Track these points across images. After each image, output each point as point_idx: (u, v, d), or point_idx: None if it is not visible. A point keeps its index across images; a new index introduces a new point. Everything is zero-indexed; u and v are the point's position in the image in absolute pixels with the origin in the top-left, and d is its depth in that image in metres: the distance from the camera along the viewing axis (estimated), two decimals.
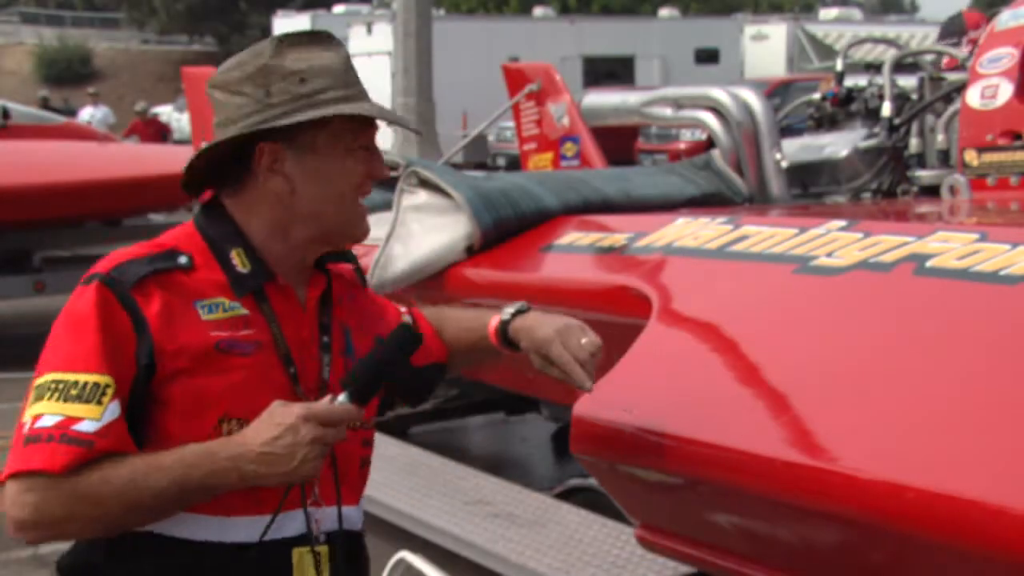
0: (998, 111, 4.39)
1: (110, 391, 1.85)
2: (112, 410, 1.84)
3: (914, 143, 5.32)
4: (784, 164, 5.30)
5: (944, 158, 5.03)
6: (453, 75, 23.76)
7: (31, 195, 9.33)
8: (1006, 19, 4.58)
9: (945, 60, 5.78)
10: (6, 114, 10.66)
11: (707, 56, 31.12)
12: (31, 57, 44.99)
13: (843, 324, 2.81)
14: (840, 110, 5.96)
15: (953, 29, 6.34)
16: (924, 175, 5.11)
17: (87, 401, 1.83)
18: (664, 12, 34.83)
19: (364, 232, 2.07)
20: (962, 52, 5.50)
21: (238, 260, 2.00)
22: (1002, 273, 2.64)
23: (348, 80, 2.01)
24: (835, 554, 2.44)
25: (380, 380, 1.93)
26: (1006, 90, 4.39)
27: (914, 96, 5.53)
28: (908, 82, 5.75)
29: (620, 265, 3.84)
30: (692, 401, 2.68)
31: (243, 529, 1.95)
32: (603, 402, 2.77)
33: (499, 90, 7.85)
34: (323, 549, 2.01)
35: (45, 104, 22.38)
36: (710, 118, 5.48)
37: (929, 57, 6.06)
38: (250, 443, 1.84)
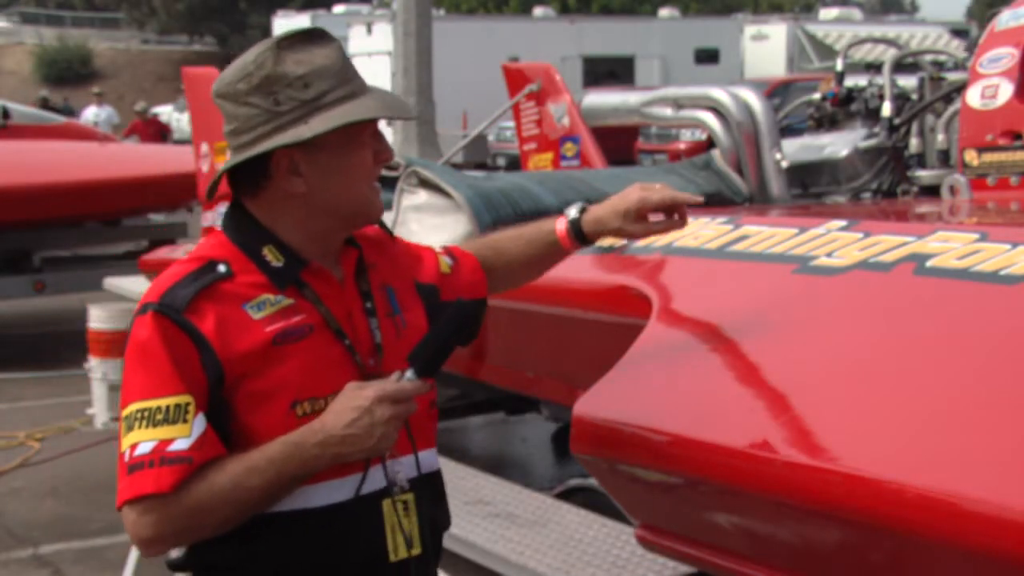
0: (998, 111, 4.38)
1: (192, 407, 1.99)
2: (199, 424, 2.00)
3: (914, 143, 5.31)
4: (784, 164, 5.30)
5: (944, 158, 5.03)
6: (453, 75, 23.77)
7: (31, 195, 9.33)
8: (1006, 19, 4.57)
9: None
10: (6, 114, 10.67)
11: (707, 56, 31.14)
12: (31, 57, 45.00)
13: (843, 324, 2.81)
14: (840, 110, 5.95)
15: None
16: (924, 175, 5.11)
17: (174, 422, 1.98)
18: (664, 12, 34.86)
19: (380, 211, 2.20)
20: (962, 53, 5.50)
21: (271, 256, 2.11)
22: (1002, 273, 2.64)
23: (348, 75, 2.12)
24: (835, 554, 2.44)
25: (444, 354, 2.06)
26: (1006, 90, 4.38)
27: (914, 96, 5.53)
28: (908, 82, 5.75)
29: (620, 265, 3.84)
30: (692, 401, 2.68)
31: (333, 492, 2.08)
32: (603, 402, 2.78)
33: (499, 90, 7.84)
34: (408, 497, 2.15)
35: (45, 104, 22.37)
36: (710, 118, 5.47)
37: (928, 57, 6.06)
38: (331, 428, 1.98)
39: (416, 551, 2.17)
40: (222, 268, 2.08)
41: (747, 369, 2.74)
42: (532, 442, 6.75)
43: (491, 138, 22.62)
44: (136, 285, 7.54)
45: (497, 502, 4.30)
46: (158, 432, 1.97)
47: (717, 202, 5.08)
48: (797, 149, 5.72)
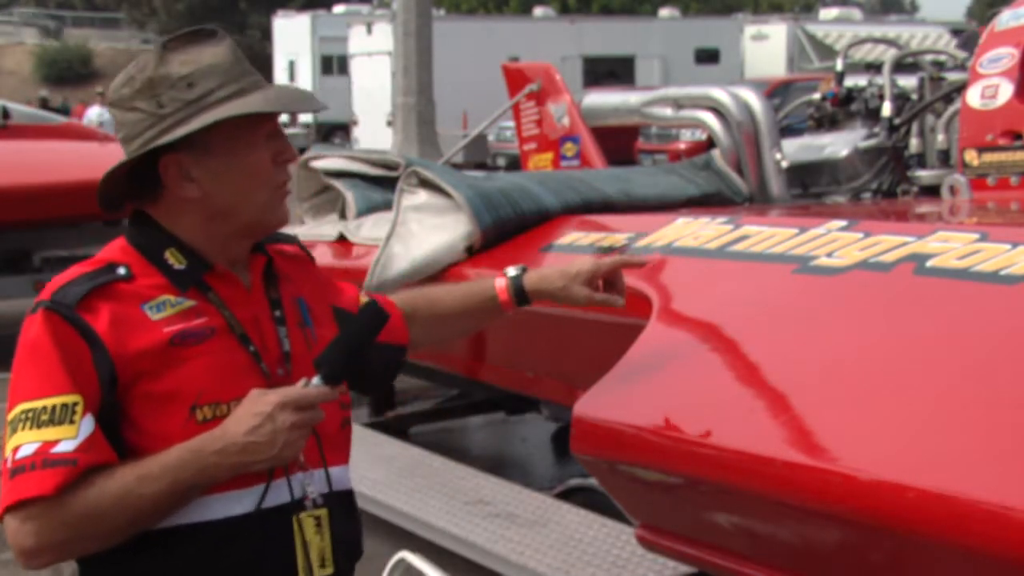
0: (998, 111, 4.39)
1: (80, 407, 1.89)
2: (87, 425, 1.89)
3: (914, 143, 5.32)
4: (784, 164, 5.30)
5: (944, 158, 5.03)
6: (453, 75, 23.75)
7: (31, 195, 9.32)
8: (1006, 19, 4.58)
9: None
10: (6, 114, 10.65)
11: (707, 56, 31.12)
12: (31, 57, 44.99)
13: (843, 324, 2.81)
14: (840, 110, 5.96)
15: (972, 44, 6.34)
16: (924, 175, 5.11)
17: (60, 423, 1.87)
18: (664, 12, 34.83)
19: (281, 219, 2.10)
20: (962, 53, 5.51)
21: (173, 259, 2.03)
22: (1002, 273, 2.64)
23: (238, 73, 2.03)
24: (835, 554, 2.44)
25: (351, 359, 1.98)
26: (1006, 90, 4.39)
27: (914, 96, 5.54)
28: (908, 82, 5.75)
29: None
30: (692, 401, 2.68)
31: (233, 504, 1.99)
32: (603, 402, 2.78)
33: (499, 90, 7.84)
34: (322, 512, 2.07)
35: (45, 104, 22.36)
36: (710, 118, 5.47)
37: (928, 57, 6.06)
38: (231, 435, 1.90)
39: (328, 571, 2.07)
40: (121, 271, 2.00)
41: (747, 369, 2.74)
42: (532, 442, 6.75)
43: (491, 138, 22.60)
44: None
45: (497, 502, 4.30)
46: (43, 433, 1.86)
47: (717, 202, 5.09)
48: (797, 149, 5.73)
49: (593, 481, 3.91)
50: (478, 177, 5.27)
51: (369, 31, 28.35)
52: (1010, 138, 4.34)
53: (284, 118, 30.68)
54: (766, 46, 32.47)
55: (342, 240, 5.46)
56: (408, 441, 5.49)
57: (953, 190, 4.49)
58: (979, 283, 2.66)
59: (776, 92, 17.26)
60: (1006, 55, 4.45)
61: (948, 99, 5.20)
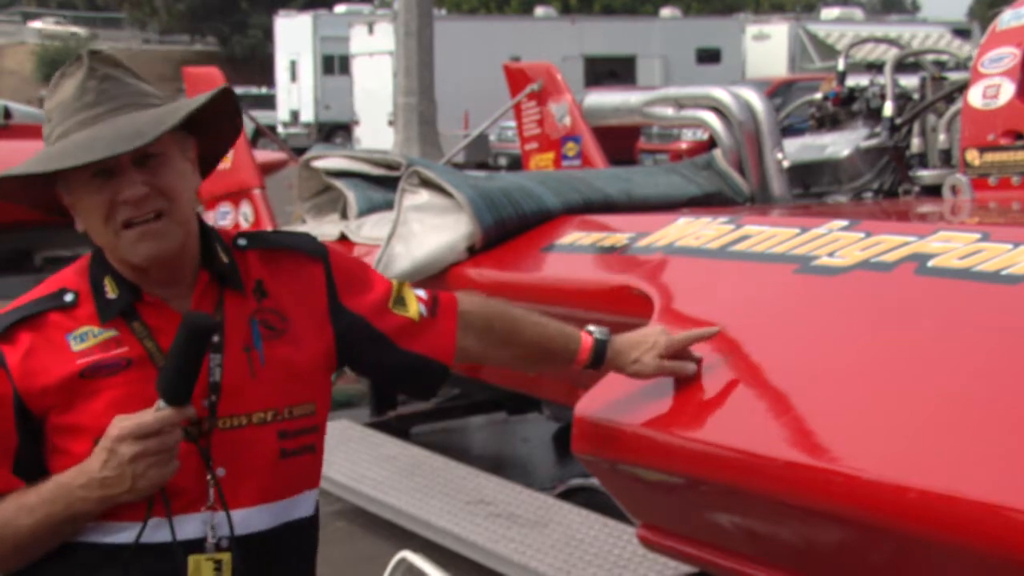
0: (1000, 111, 4.38)
1: None
2: None
3: (916, 143, 5.31)
4: (786, 164, 5.30)
5: (946, 158, 5.03)
6: (455, 75, 23.76)
7: None
8: (1008, 19, 4.57)
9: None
10: (7, 114, 10.65)
11: (709, 56, 31.12)
12: (32, 57, 45.01)
13: (844, 324, 2.81)
14: (842, 110, 5.96)
15: None
16: (926, 175, 5.10)
17: None
18: (665, 12, 34.84)
19: (141, 256, 1.98)
20: (964, 51, 5.50)
21: (109, 287, 2.01)
22: (1004, 273, 2.64)
23: (73, 110, 1.97)
24: (837, 554, 2.44)
25: (183, 376, 1.88)
26: (1008, 90, 4.38)
27: (916, 96, 5.53)
28: (910, 82, 5.75)
29: (621, 265, 3.84)
30: (693, 401, 2.68)
31: (126, 532, 1.96)
32: (604, 402, 2.78)
33: (500, 90, 7.84)
34: (224, 556, 1.99)
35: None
36: (712, 118, 5.47)
37: (930, 57, 6.05)
38: (89, 471, 1.88)
39: None
40: (68, 297, 2.00)
41: (748, 369, 2.74)
42: (533, 442, 6.75)
43: (492, 138, 22.61)
44: None
45: (499, 502, 4.30)
46: None
47: (718, 202, 5.09)
48: (798, 149, 5.73)
49: (594, 481, 3.91)
50: (479, 177, 5.27)
51: (370, 31, 28.36)
52: (1012, 138, 4.34)
53: (286, 117, 30.38)
54: (767, 46, 32.50)
55: (343, 240, 5.46)
56: (409, 441, 5.49)
57: (955, 190, 4.49)
58: (980, 283, 2.65)
59: (777, 92, 17.27)
60: (1008, 55, 4.45)
61: (950, 99, 5.19)
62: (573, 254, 4.26)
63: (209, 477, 1.98)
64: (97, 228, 1.98)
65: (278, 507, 2.06)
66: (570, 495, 4.29)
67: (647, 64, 30.16)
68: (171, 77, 39.95)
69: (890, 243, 2.97)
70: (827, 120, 6.04)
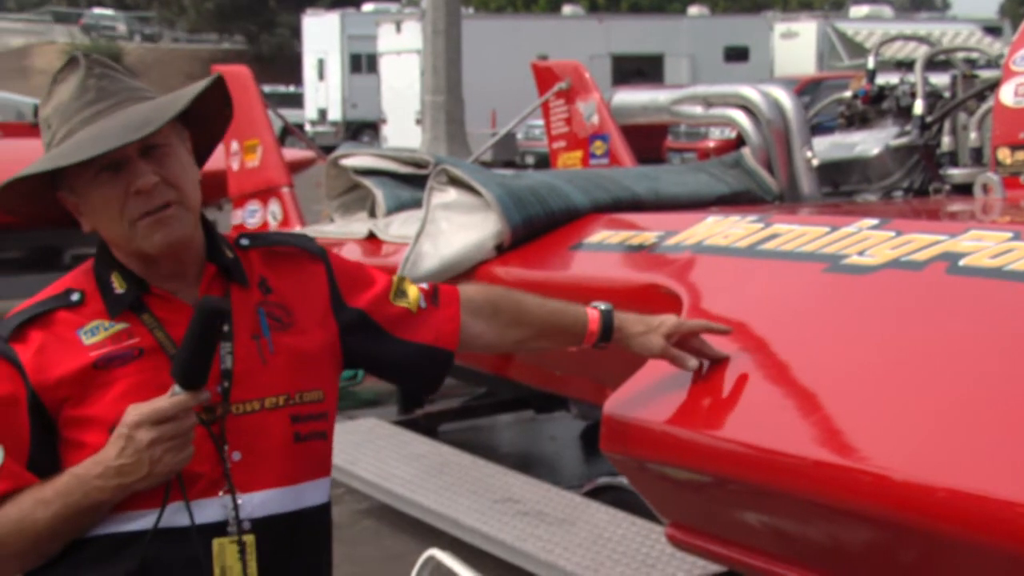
0: None
1: None
2: None
3: (946, 141, 5.28)
4: (815, 162, 5.28)
5: (977, 156, 5.00)
6: (482, 73, 23.76)
7: None
8: None
9: None
10: (37, 113, 10.74)
11: (736, 54, 31.05)
12: (62, 56, 45.26)
13: (874, 323, 2.80)
14: (871, 108, 5.93)
15: None
16: (956, 173, 5.08)
17: None
18: (693, 10, 34.80)
19: (157, 244, 2.01)
20: (995, 49, 5.46)
21: (117, 282, 2.04)
22: None
23: (75, 110, 2.00)
24: (866, 554, 2.43)
25: (198, 360, 1.90)
26: None
27: (946, 94, 5.50)
28: (940, 80, 5.72)
29: (650, 264, 3.83)
30: (722, 400, 2.67)
31: (145, 520, 1.97)
32: (633, 400, 2.77)
33: (528, 88, 7.83)
34: (248, 539, 2.01)
35: None
36: (740, 116, 5.46)
37: (961, 54, 6.02)
38: (105, 460, 1.90)
39: None
40: (75, 297, 2.03)
41: (776, 368, 2.73)
42: (561, 440, 6.75)
43: (519, 136, 22.62)
44: None
45: (526, 500, 4.30)
46: None
47: (747, 200, 5.07)
48: (828, 147, 5.70)
49: (622, 479, 3.91)
50: (507, 175, 5.27)
51: (398, 29, 28.42)
52: None
53: (313, 116, 30.40)
54: (796, 44, 32.38)
55: (372, 238, 5.47)
56: (437, 439, 5.50)
57: (986, 188, 4.46)
58: (1012, 282, 2.64)
59: (806, 90, 17.20)
60: None
61: (981, 97, 5.16)
62: (601, 252, 4.25)
63: (224, 462, 2.00)
64: (110, 222, 2.01)
65: (294, 491, 2.08)
66: (598, 493, 4.29)
67: (675, 62, 30.11)
68: (199, 75, 40.16)
69: (921, 242, 2.95)
70: (857, 118, 6.02)
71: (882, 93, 5.90)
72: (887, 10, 37.91)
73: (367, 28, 30.48)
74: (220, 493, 2.00)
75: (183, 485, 1.96)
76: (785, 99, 5.43)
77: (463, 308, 2.34)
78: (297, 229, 6.46)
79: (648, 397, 2.74)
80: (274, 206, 6.88)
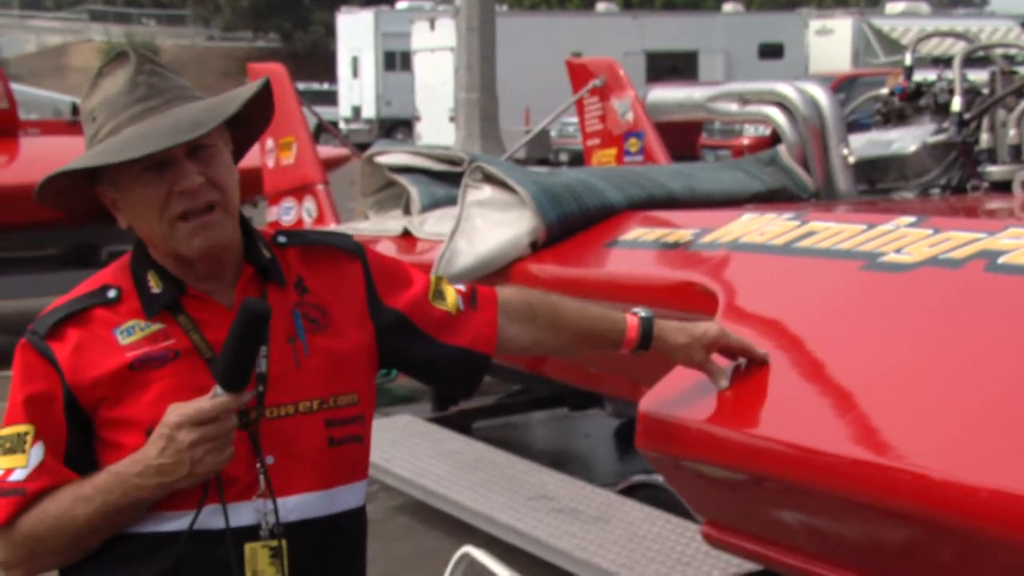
0: None
1: (30, 436, 1.96)
2: (36, 453, 1.97)
3: (984, 138, 5.25)
4: (851, 159, 5.26)
5: (1016, 153, 4.96)
6: (516, 71, 23.76)
7: None
8: None
9: None
10: (75, 111, 10.79)
11: (771, 51, 30.92)
12: (98, 55, 45.56)
13: (912, 321, 2.78)
14: (908, 105, 5.89)
15: None
16: (995, 171, 5.04)
17: (13, 452, 1.97)
18: (728, 7, 34.64)
19: (195, 248, 2.00)
20: None
21: (153, 282, 2.04)
22: None
23: (122, 105, 1.99)
24: (904, 553, 2.42)
25: (240, 361, 1.90)
26: None
27: (985, 91, 5.46)
28: (978, 76, 5.67)
29: (685, 261, 3.82)
30: (758, 398, 2.66)
31: (174, 521, 1.98)
32: (669, 398, 2.77)
33: (562, 86, 7.83)
34: (280, 543, 2.00)
35: None
36: (776, 113, 5.44)
37: (999, 51, 5.97)
38: (146, 458, 1.91)
39: None
40: (111, 294, 2.03)
41: (813, 366, 2.72)
42: (595, 438, 6.75)
43: (553, 134, 22.61)
44: None
45: (561, 498, 4.30)
46: (3, 461, 1.97)
47: (783, 198, 5.05)
48: (864, 144, 5.67)
49: (657, 477, 3.91)
50: (542, 173, 5.27)
51: (432, 27, 28.46)
52: None
53: (347, 113, 30.48)
54: (831, 41, 32.19)
55: (406, 235, 5.49)
56: (471, 436, 5.50)
57: None
58: None
59: (841, 87, 17.13)
60: None
61: (1020, 93, 5.12)
62: (637, 250, 4.24)
63: (259, 465, 2.00)
64: (150, 221, 2.00)
65: (329, 495, 2.08)
66: (633, 491, 4.29)
67: (709, 59, 30.02)
68: (234, 73, 40.34)
69: (959, 240, 2.93)
70: (893, 115, 5.98)
71: (919, 90, 5.87)
72: (923, 6, 37.61)
73: (401, 25, 30.54)
74: (253, 497, 2.00)
75: (221, 487, 1.96)
76: (821, 96, 5.40)
77: (500, 311, 2.32)
78: (332, 226, 6.49)
79: (684, 395, 2.73)
80: (309, 203, 6.91)
